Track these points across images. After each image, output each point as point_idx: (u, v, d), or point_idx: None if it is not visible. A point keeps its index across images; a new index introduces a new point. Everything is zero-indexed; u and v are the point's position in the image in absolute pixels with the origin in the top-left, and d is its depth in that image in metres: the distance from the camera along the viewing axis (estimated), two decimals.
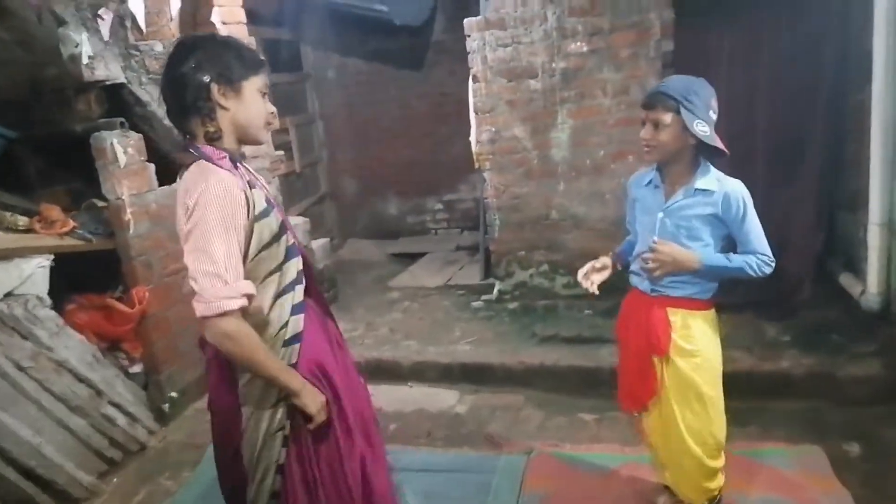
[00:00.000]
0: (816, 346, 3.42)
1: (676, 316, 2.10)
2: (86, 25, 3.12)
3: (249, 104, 1.66)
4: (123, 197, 3.19)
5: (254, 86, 1.67)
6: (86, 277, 3.48)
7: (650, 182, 2.15)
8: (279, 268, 1.68)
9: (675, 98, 1.93)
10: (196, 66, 1.59)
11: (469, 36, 4.27)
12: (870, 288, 3.30)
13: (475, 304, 4.69)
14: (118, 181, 3.17)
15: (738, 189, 2.01)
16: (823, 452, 2.77)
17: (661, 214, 2.08)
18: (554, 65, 4.10)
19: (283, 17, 5.71)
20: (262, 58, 1.73)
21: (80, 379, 2.93)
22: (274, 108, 1.75)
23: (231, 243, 1.55)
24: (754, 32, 4.00)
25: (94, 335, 3.18)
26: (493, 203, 4.48)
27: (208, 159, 1.60)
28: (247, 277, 1.60)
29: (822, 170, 3.94)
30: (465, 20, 4.29)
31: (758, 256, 2.02)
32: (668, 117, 1.94)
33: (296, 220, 4.68)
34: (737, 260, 2.03)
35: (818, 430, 2.94)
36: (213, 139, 1.64)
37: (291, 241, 1.73)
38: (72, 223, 3.21)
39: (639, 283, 2.20)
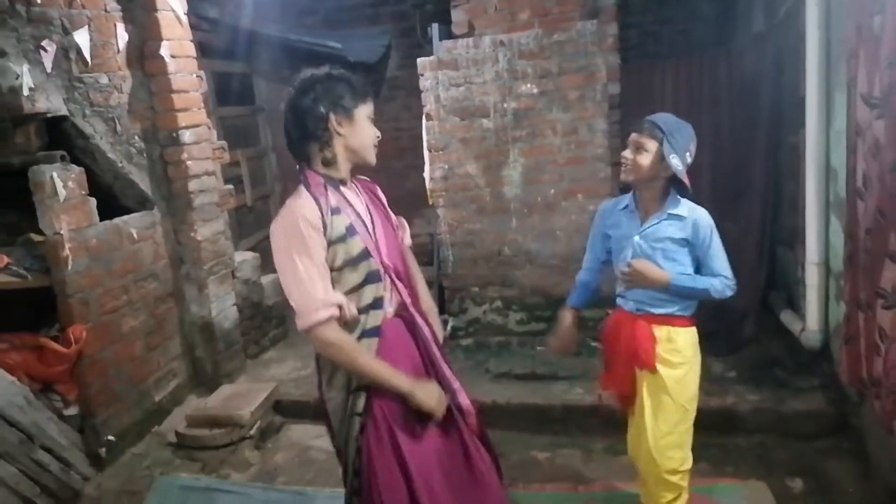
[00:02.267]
0: (761, 382, 3.50)
1: (661, 332, 2.25)
2: (27, 57, 3.03)
3: (361, 130, 1.85)
4: (62, 232, 3.08)
5: (363, 113, 1.85)
6: (19, 315, 3.33)
7: (626, 207, 2.33)
8: (354, 290, 1.81)
9: (662, 130, 2.13)
10: (315, 98, 1.78)
11: (422, 75, 4.32)
12: (809, 325, 3.40)
13: None
14: (56, 216, 3.06)
15: (705, 217, 2.21)
16: (768, 489, 2.81)
17: (636, 237, 2.25)
18: (505, 105, 4.17)
19: (235, 50, 5.67)
20: (368, 86, 1.89)
21: (10, 423, 2.77)
22: (378, 133, 1.91)
23: (314, 261, 1.72)
24: (695, 75, 4.16)
25: (27, 376, 3.03)
26: (447, 239, 4.49)
27: (306, 185, 1.79)
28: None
29: (763, 207, 4.08)
30: (419, 59, 4.34)
31: (721, 280, 2.20)
32: (651, 144, 2.15)
33: (244, 256, 4.60)
34: (702, 281, 2.21)
35: (764, 466, 2.99)
36: (330, 163, 1.83)
37: (376, 266, 1.84)
38: (6, 259, 3.07)
39: (623, 304, 2.37)
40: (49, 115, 3.16)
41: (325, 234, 1.75)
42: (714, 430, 3.29)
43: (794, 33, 3.49)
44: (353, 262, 1.80)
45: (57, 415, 3.12)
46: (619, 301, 2.41)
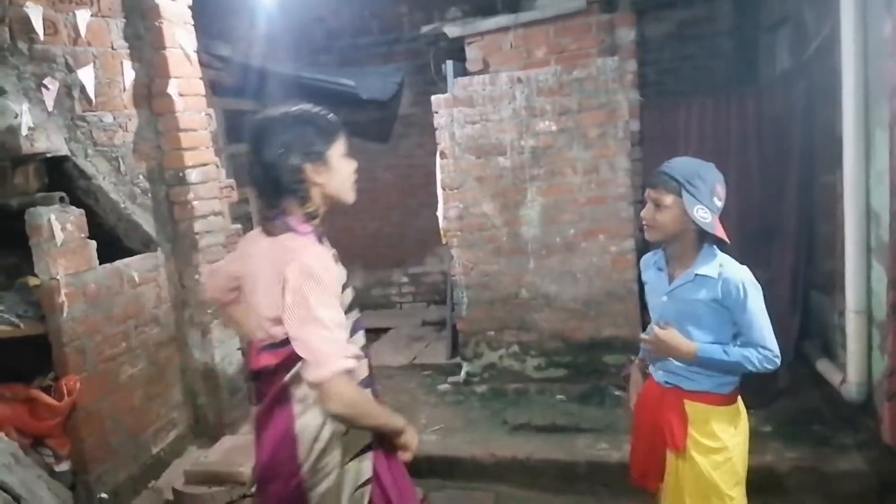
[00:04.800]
0: (800, 438, 3.27)
1: (694, 410, 2.00)
2: (27, 95, 2.92)
3: (338, 171, 1.70)
4: (58, 277, 2.92)
5: (337, 152, 1.71)
6: (14, 362, 3.16)
7: (654, 263, 2.12)
8: (350, 338, 1.68)
9: (678, 180, 1.89)
10: (285, 150, 1.62)
11: (437, 112, 4.21)
12: (850, 377, 3.17)
13: (441, 386, 4.44)
14: (53, 260, 2.91)
15: (739, 275, 1.92)
16: None
17: (664, 298, 2.03)
18: (523, 142, 4.03)
19: (246, 88, 5.61)
20: (335, 118, 1.75)
21: None
22: (355, 163, 1.76)
23: (337, 310, 1.60)
24: (721, 113, 4.03)
25: (16, 431, 2.85)
26: (462, 280, 4.31)
27: (300, 233, 1.65)
28: None
29: (795, 250, 3.90)
30: (433, 97, 4.23)
31: (759, 350, 1.92)
32: (668, 199, 1.91)
33: None
34: (735, 354, 1.92)
35: None
36: (313, 217, 1.68)
37: (358, 315, 1.76)
38: None
39: (653, 372, 2.13)
40: (49, 156, 3.04)
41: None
42: (751, 491, 3.05)
43: (826, 70, 3.34)
44: (349, 309, 1.71)
45: (48, 471, 2.93)
46: (650, 368, 2.17)
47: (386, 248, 6.37)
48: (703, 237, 1.95)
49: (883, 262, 2.90)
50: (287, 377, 1.66)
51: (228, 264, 1.96)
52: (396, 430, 1.75)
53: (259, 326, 1.72)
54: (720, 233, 1.90)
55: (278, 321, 1.63)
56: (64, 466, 3.02)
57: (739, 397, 2.07)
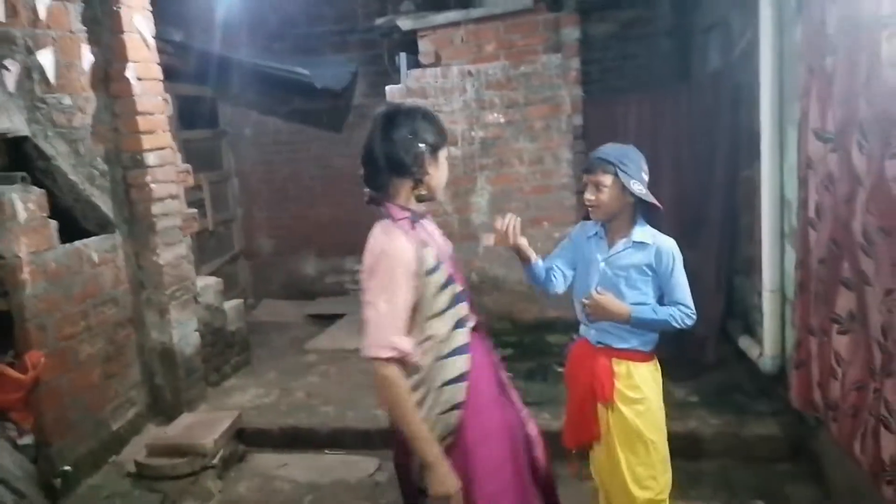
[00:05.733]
0: (722, 407, 3.58)
1: (621, 366, 2.25)
2: None
3: (442, 168, 1.93)
4: (20, 255, 2.99)
5: (444, 154, 1.93)
6: None
7: (595, 234, 2.34)
8: (443, 313, 1.86)
9: (612, 162, 2.15)
10: (414, 135, 1.83)
11: (389, 104, 4.36)
12: (766, 351, 3.50)
13: None
14: (16, 238, 2.97)
15: (669, 245, 2.23)
16: None
17: (602, 263, 2.27)
18: (473, 133, 4.25)
19: (200, 74, 5.64)
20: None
21: None
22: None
23: (395, 301, 1.77)
24: (657, 108, 4.32)
25: None
26: None
27: (393, 220, 1.84)
28: (414, 323, 1.82)
29: (720, 237, 4.22)
30: (387, 87, 4.40)
31: (680, 308, 2.21)
32: (607, 179, 2.17)
33: (207, 281, 4.52)
34: (662, 312, 2.21)
35: (727, 489, 3.05)
36: (422, 199, 1.90)
37: (459, 289, 1.91)
38: None
39: (585, 332, 2.37)
40: (9, 136, 3.09)
41: (417, 269, 1.81)
42: (678, 455, 3.30)
43: (749, 71, 3.65)
44: (442, 288, 1.87)
45: (11, 444, 2.99)
46: (581, 330, 2.43)
47: (339, 235, 6.46)
48: (636, 211, 2.24)
49: (794, 246, 3.22)
50: None
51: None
52: (423, 450, 1.81)
53: None
54: (654, 200, 2.17)
55: None
56: (27, 440, 3.09)
57: (656, 356, 2.34)
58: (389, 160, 1.84)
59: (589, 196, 2.23)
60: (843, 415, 2.50)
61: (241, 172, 6.65)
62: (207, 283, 4.47)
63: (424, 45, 4.87)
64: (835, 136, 2.43)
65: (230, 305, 4.68)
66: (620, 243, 2.26)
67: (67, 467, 3.19)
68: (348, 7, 6.31)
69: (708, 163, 4.20)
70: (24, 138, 3.19)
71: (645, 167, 2.22)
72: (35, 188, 3.11)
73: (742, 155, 4.04)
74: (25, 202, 3.02)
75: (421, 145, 1.84)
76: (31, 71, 3.19)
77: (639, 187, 2.15)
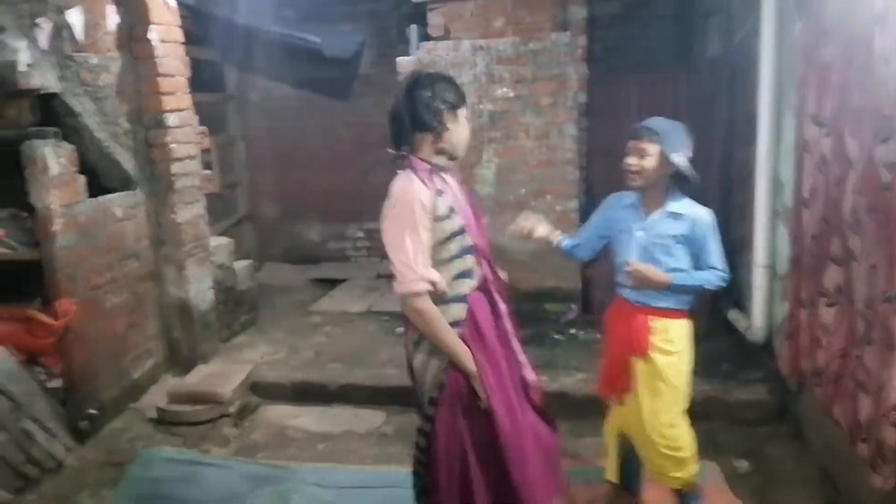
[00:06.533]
0: (712, 374, 3.80)
1: (657, 323, 2.43)
2: (24, 33, 3.06)
3: (462, 126, 2.10)
4: (52, 207, 3.12)
5: (464, 113, 2.10)
6: (2, 288, 3.34)
7: (631, 204, 2.48)
8: (451, 260, 2.03)
9: (658, 132, 2.31)
10: (433, 94, 2.02)
11: (401, 73, 4.48)
12: (754, 322, 3.73)
13: (399, 329, 4.79)
14: (47, 191, 3.10)
15: (704, 214, 2.40)
16: (718, 468, 3.09)
17: (639, 232, 2.42)
18: (482, 106, 4.39)
19: (209, 38, 5.71)
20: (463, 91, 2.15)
21: (2, 391, 2.81)
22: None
23: (418, 239, 1.95)
24: (657, 88, 4.47)
25: (14, 347, 3.06)
26: None
27: (413, 170, 2.00)
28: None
29: (715, 215, 4.40)
30: (398, 59, 4.51)
31: (713, 272, 2.40)
32: (651, 148, 2.31)
33: (220, 241, 4.66)
34: (698, 277, 2.40)
35: (714, 448, 3.26)
36: (441, 153, 2.07)
37: (470, 243, 2.08)
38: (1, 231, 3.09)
39: (625, 292, 2.51)
40: (42, 92, 3.20)
41: (432, 213, 1.98)
42: None
43: (747, 58, 3.82)
44: (452, 236, 2.04)
45: (41, 387, 3.16)
46: (619, 290, 2.55)
47: (342, 202, 6.59)
48: (672, 183, 2.38)
49: (786, 225, 3.42)
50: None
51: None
52: (463, 365, 2.03)
53: None
54: (692, 173, 2.32)
55: None
56: (56, 383, 3.26)
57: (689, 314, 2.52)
58: (412, 115, 2.02)
59: (631, 160, 2.36)
60: (826, 380, 2.72)
61: (248, 137, 6.74)
62: (220, 243, 4.62)
63: (434, 18, 4.97)
64: (829, 123, 2.62)
65: (240, 266, 4.84)
66: (656, 213, 2.40)
67: (93, 410, 3.37)
68: None
69: (705, 144, 4.37)
70: (54, 95, 3.30)
71: (689, 144, 2.36)
72: (66, 143, 3.23)
73: (737, 137, 4.23)
74: (58, 157, 3.14)
75: (440, 103, 2.01)
76: (61, 30, 3.29)
77: (679, 158, 2.29)
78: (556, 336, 4.47)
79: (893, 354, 2.10)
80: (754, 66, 3.56)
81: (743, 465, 3.16)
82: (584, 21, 4.76)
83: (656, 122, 2.37)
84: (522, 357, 2.25)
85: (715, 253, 2.40)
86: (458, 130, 2.09)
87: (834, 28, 2.53)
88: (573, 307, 4.63)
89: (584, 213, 4.21)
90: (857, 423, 2.46)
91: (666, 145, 2.30)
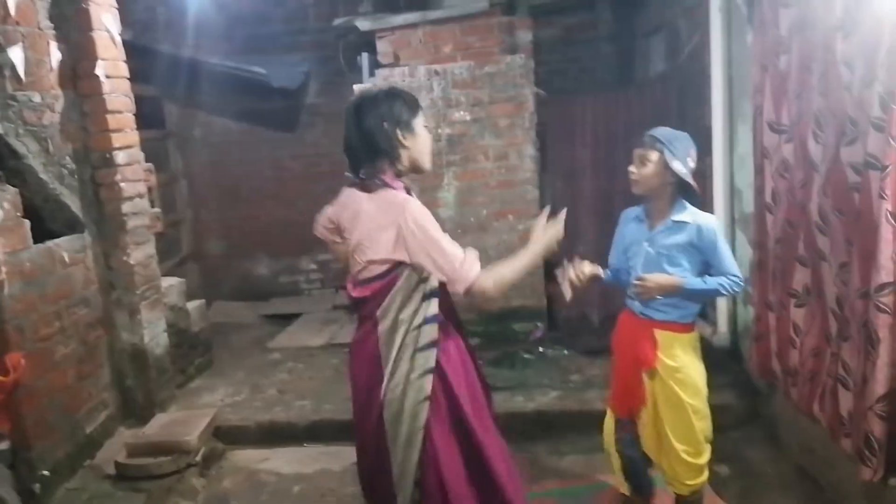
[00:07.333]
0: None
1: (662, 336, 2.42)
2: None
3: (421, 137, 2.05)
4: None
5: (420, 122, 2.05)
6: None
7: (636, 217, 2.51)
8: (427, 277, 1.99)
9: (661, 141, 2.32)
10: (380, 118, 1.96)
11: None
12: (720, 328, 3.81)
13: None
14: None
15: (709, 221, 2.41)
16: None
17: (645, 244, 2.43)
18: (440, 130, 4.39)
19: (146, 73, 5.53)
20: (416, 98, 2.10)
21: None
22: (431, 135, 2.15)
23: (440, 231, 1.96)
24: (610, 106, 4.59)
25: None
26: None
27: (391, 188, 1.98)
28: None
29: None
30: (354, 86, 4.46)
31: (729, 277, 2.38)
32: (653, 155, 2.33)
33: (171, 281, 4.46)
34: (712, 282, 2.39)
35: None
36: (401, 174, 2.04)
37: None
38: None
39: (631, 304, 2.52)
40: None
41: None
42: None
43: (697, 71, 3.96)
44: None
45: None
46: (627, 302, 2.56)
47: (293, 235, 6.42)
48: (677, 193, 2.39)
49: (745, 231, 3.53)
50: (378, 311, 2.02)
51: (330, 209, 2.19)
52: (537, 258, 2.14)
53: (356, 263, 2.05)
54: (693, 183, 2.34)
55: (382, 262, 1.98)
56: (3, 445, 2.99)
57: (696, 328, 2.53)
58: (362, 144, 1.99)
59: (633, 168, 2.39)
60: (802, 379, 2.79)
61: (190, 174, 6.53)
62: (171, 284, 4.41)
63: (383, 46, 4.96)
64: (789, 129, 2.72)
65: (193, 306, 4.63)
66: (661, 224, 2.41)
67: (46, 472, 3.11)
68: (298, 7, 6.32)
69: None
70: None
71: (693, 154, 2.38)
72: (10, 187, 3.03)
73: None
74: (1, 201, 2.94)
75: (390, 125, 1.97)
76: (2, 68, 3.11)
77: (679, 166, 2.30)
78: (526, 356, 4.45)
79: (876, 348, 2.16)
80: (705, 80, 3.69)
81: (724, 469, 3.18)
82: (530, 44, 4.85)
83: (660, 131, 2.39)
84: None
85: (727, 258, 2.39)
86: (418, 143, 2.04)
87: (791, 37, 2.64)
88: (539, 325, 4.62)
89: None
90: (838, 418, 2.51)
91: (667, 153, 2.31)
